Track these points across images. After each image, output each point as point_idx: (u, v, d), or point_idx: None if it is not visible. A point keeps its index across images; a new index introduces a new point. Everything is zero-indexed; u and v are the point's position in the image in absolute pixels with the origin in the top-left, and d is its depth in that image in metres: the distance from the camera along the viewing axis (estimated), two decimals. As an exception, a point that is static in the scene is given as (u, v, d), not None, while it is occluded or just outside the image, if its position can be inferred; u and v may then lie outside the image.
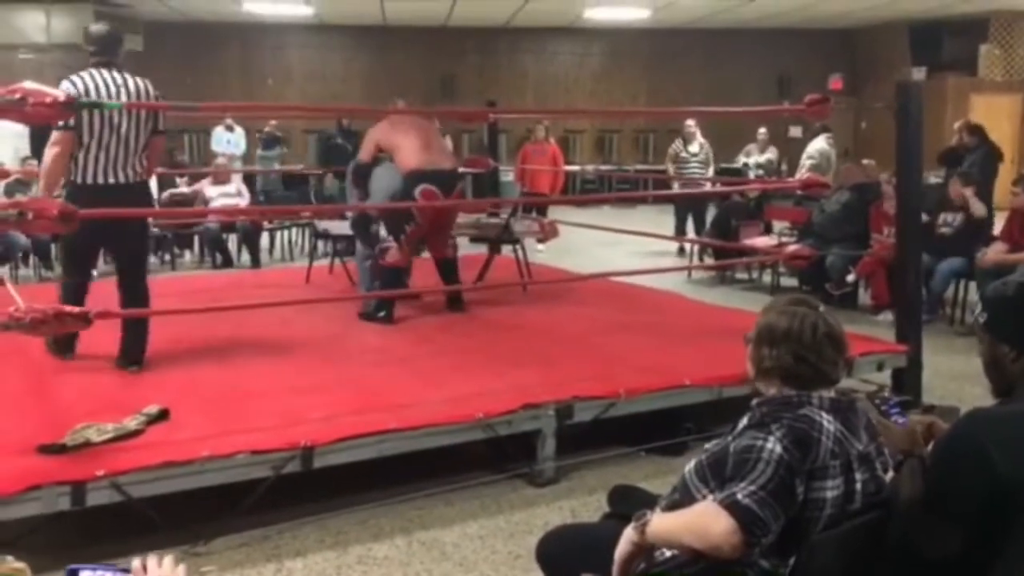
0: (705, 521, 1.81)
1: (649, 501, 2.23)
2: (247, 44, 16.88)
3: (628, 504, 2.31)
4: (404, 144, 5.59)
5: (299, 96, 16.79)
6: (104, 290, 4.59)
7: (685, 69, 17.79)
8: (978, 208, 6.94)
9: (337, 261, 7.49)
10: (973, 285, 6.82)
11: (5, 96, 3.19)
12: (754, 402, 2.04)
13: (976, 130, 9.47)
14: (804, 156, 10.55)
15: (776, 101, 15.80)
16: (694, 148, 10.74)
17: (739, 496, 1.80)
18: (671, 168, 10.89)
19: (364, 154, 5.83)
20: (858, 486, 1.93)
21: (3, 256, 8.63)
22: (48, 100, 3.24)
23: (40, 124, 5.17)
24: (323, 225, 8.07)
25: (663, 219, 11.28)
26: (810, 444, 1.87)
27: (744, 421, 2.01)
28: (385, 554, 3.32)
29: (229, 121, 14.12)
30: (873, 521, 1.93)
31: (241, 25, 16.25)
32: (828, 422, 1.92)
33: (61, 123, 3.93)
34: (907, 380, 4.87)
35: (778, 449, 1.84)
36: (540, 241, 9.21)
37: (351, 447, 3.53)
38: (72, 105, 3.35)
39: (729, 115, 12.96)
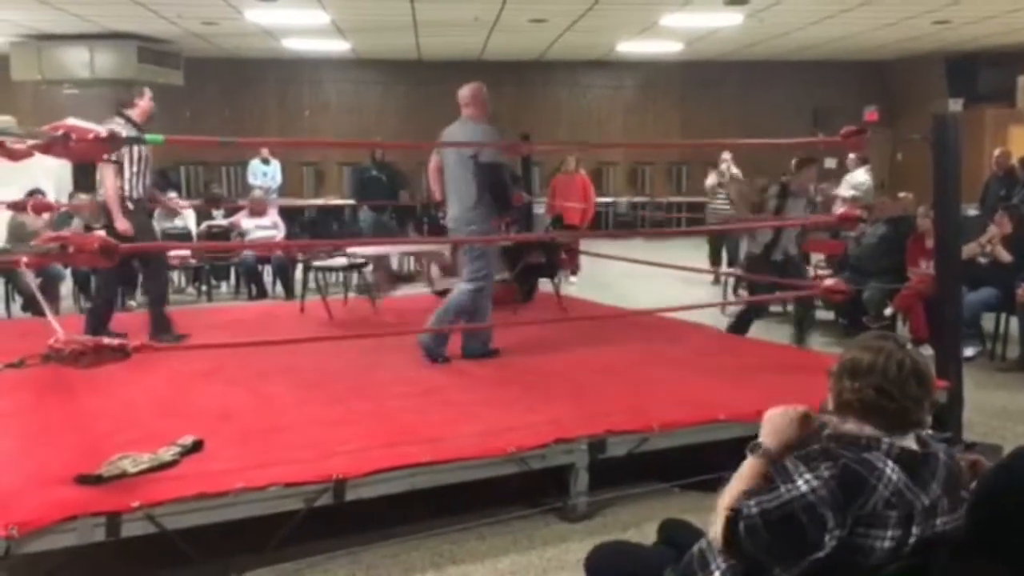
0: (717, 517, 1.96)
1: (698, 536, 2.21)
2: (285, 78, 17.15)
3: (679, 535, 2.34)
4: None
5: (335, 129, 16.98)
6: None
7: (719, 101, 17.77)
8: (1004, 256, 6.84)
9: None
10: (1015, 320, 6.70)
11: (50, 133, 3.26)
12: (826, 432, 2.01)
13: None
14: (845, 187, 10.48)
15: (811, 133, 15.71)
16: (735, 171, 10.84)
17: (743, 509, 1.88)
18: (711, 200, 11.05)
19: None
20: (912, 539, 1.88)
21: (44, 287, 8.77)
22: (91, 136, 3.31)
23: (84, 160, 5.32)
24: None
25: (697, 252, 11.24)
26: (862, 488, 1.83)
27: (809, 448, 1.97)
28: (416, 589, 3.30)
29: (265, 154, 14.32)
30: (916, 565, 1.89)
31: (280, 60, 16.52)
32: (891, 471, 1.87)
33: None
34: (948, 417, 4.75)
35: (803, 489, 1.82)
36: (572, 273, 9.21)
37: (383, 480, 3.53)
38: (115, 141, 3.41)
39: (764, 147, 12.99)
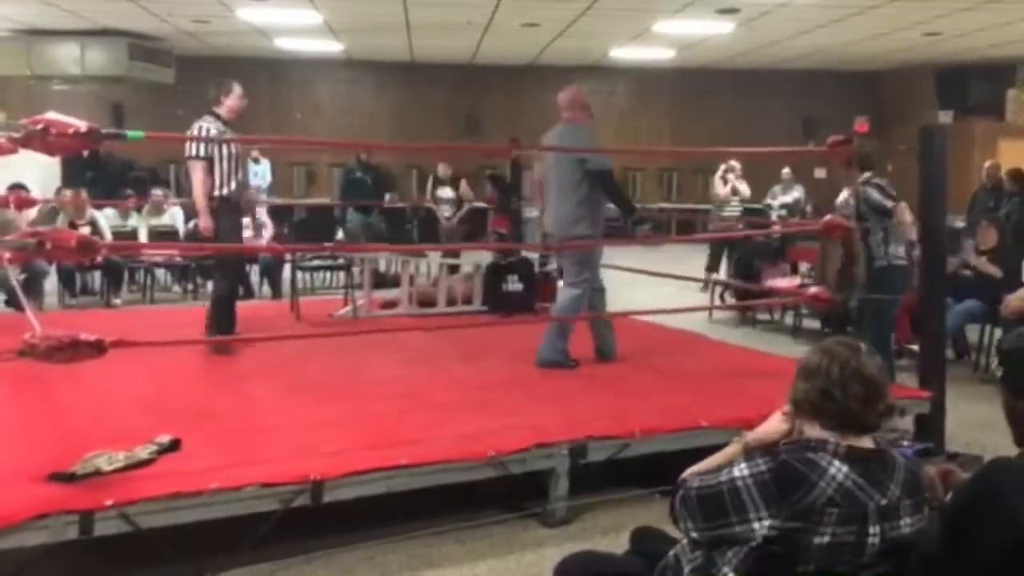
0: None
1: (672, 543, 2.22)
2: (277, 79, 17.10)
3: (651, 543, 2.35)
4: None
5: (327, 130, 16.94)
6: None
7: (710, 109, 17.81)
8: (992, 271, 6.86)
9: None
10: (999, 332, 6.71)
11: (29, 126, 3.23)
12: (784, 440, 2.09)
13: (1018, 176, 9.38)
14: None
15: (801, 142, 15.76)
16: (743, 188, 10.86)
17: (688, 481, 2.04)
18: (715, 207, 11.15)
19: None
20: (872, 539, 1.88)
21: (29, 283, 8.69)
22: (70, 131, 3.28)
23: (63, 154, 5.28)
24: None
25: (689, 258, 11.25)
26: (799, 485, 1.87)
27: None
28: (392, 592, 3.28)
29: (255, 153, 14.26)
30: (885, 572, 1.88)
31: (271, 60, 16.48)
32: (837, 470, 1.89)
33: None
34: (930, 427, 4.77)
35: (736, 474, 1.93)
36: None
37: (361, 482, 3.51)
38: (94, 136, 3.38)
39: (754, 155, 13.02)
